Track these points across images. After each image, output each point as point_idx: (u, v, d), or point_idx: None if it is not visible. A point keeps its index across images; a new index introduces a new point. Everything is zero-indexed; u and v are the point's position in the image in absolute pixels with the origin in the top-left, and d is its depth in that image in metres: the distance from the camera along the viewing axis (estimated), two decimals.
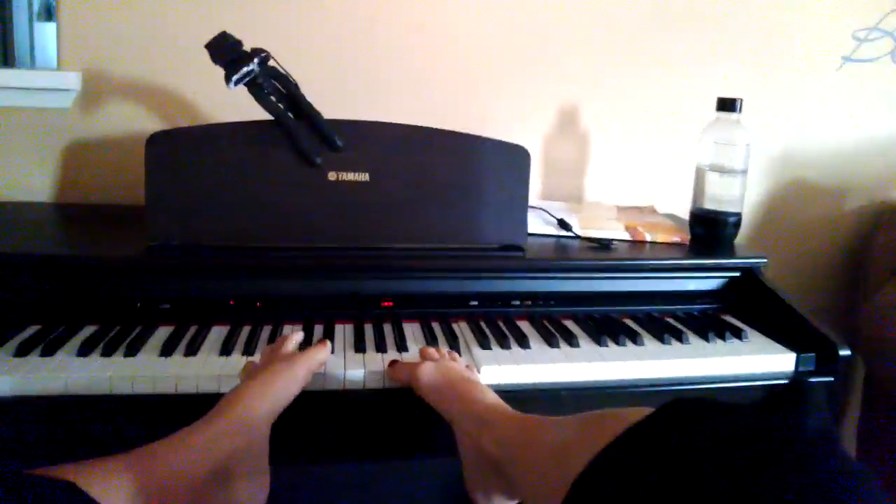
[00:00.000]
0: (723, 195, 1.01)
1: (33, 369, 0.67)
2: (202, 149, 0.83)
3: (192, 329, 0.78)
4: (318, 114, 0.86)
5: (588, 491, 0.41)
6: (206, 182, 0.83)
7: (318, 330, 0.80)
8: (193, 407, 0.66)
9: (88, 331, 0.77)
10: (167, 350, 0.73)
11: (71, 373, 0.67)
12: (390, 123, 0.88)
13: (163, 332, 0.77)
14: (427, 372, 0.68)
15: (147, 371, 0.68)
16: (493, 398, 0.66)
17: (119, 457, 0.50)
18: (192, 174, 0.83)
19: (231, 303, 0.82)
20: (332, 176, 0.86)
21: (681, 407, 0.41)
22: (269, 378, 0.63)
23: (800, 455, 0.33)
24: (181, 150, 0.83)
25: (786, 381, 0.78)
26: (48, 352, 0.71)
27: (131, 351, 0.72)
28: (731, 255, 0.97)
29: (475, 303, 0.88)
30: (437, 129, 0.89)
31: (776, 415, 0.37)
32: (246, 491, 0.58)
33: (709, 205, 1.02)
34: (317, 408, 0.69)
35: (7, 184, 1.09)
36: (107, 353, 0.72)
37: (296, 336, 0.72)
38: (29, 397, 0.66)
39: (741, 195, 1.02)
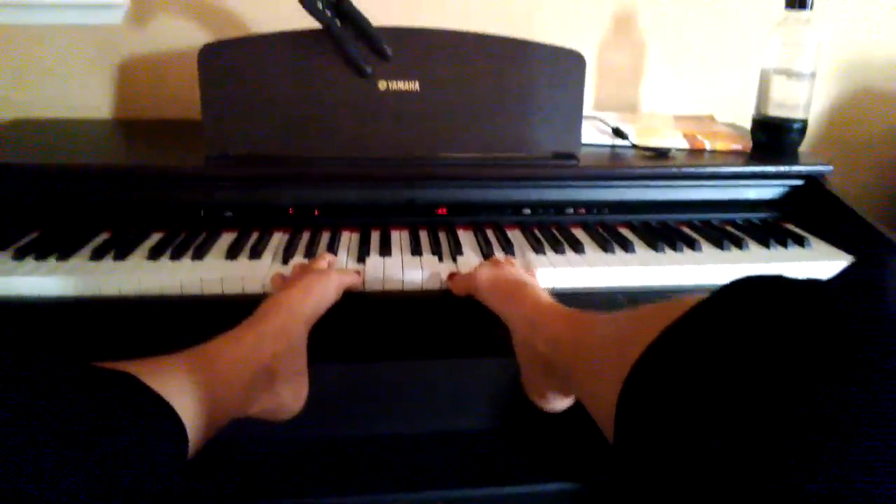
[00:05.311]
0: (788, 100, 0.96)
1: (109, 271, 0.71)
2: (254, 59, 0.83)
3: (255, 235, 0.81)
4: (366, 21, 0.84)
5: (649, 377, 0.37)
6: (260, 93, 0.83)
7: (375, 236, 0.82)
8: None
9: (156, 237, 0.80)
10: (232, 254, 0.75)
11: (144, 274, 0.70)
12: (440, 30, 0.85)
13: (227, 238, 0.80)
14: (485, 274, 0.69)
15: (215, 273, 0.71)
16: (546, 299, 0.66)
17: (175, 355, 0.52)
18: (245, 85, 0.83)
19: (290, 211, 0.84)
20: (382, 85, 0.85)
21: (751, 284, 0.36)
22: (306, 287, 0.65)
23: (885, 331, 0.29)
24: (233, 60, 0.83)
25: None
26: (120, 256, 0.74)
27: (198, 255, 0.75)
28: (795, 162, 0.93)
29: (528, 211, 0.87)
30: (487, 35, 0.85)
31: (856, 290, 0.34)
32: (288, 390, 0.61)
33: (773, 111, 0.97)
34: (377, 308, 0.71)
35: (64, 102, 1.11)
36: (175, 256, 0.74)
37: (328, 257, 0.74)
38: (105, 298, 0.69)
39: (808, 100, 0.96)
